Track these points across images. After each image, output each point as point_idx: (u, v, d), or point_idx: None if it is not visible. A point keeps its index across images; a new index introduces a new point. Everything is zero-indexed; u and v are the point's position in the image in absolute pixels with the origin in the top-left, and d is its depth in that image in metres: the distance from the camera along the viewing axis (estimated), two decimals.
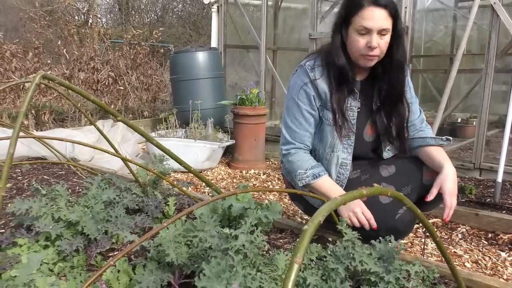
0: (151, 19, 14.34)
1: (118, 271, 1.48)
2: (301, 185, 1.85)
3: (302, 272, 1.22)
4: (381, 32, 1.65)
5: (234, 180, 3.69)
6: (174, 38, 13.03)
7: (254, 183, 3.61)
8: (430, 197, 1.69)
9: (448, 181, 1.68)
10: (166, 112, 5.75)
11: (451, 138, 1.89)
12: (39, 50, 5.33)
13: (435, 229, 2.26)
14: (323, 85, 1.79)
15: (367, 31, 1.64)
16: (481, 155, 3.49)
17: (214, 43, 5.26)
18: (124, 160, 2.15)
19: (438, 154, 1.80)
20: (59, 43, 5.48)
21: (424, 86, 6.88)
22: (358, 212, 1.74)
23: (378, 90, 1.85)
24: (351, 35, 1.69)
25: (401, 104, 1.85)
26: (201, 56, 4.64)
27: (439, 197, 1.70)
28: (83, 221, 1.65)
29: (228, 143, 4.03)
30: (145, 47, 6.00)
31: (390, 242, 1.30)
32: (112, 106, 5.55)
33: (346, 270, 1.32)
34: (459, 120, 5.70)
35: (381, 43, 1.66)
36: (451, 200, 1.66)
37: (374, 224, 1.71)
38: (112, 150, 2.14)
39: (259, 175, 3.85)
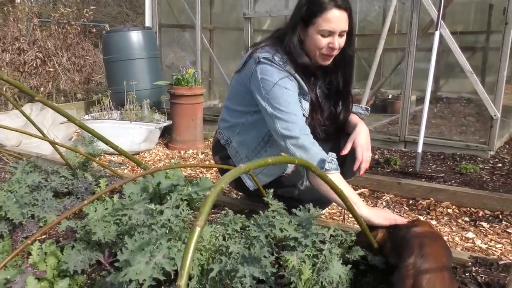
0: None
1: (45, 253, 1.47)
2: (328, 168, 1.63)
3: (226, 241, 1.28)
4: (341, 34, 1.71)
5: (172, 161, 3.69)
6: (111, 18, 12.50)
7: (192, 162, 3.63)
8: (344, 151, 1.77)
9: (360, 136, 1.78)
10: (100, 94, 5.58)
11: (369, 108, 2.01)
12: None
13: (362, 199, 2.41)
14: (299, 79, 1.81)
15: (330, 33, 1.70)
16: (405, 129, 3.73)
17: (148, 22, 5.13)
18: (52, 143, 2.10)
19: (355, 119, 1.93)
20: None
21: (359, 65, 7.13)
22: (391, 214, 1.57)
23: (328, 83, 1.92)
24: (312, 35, 1.73)
25: (347, 96, 1.94)
26: (135, 36, 4.53)
27: (352, 157, 1.79)
28: (6, 205, 1.60)
29: (165, 124, 4.00)
30: (76, 26, 5.74)
31: (309, 211, 1.39)
32: (42, 89, 5.30)
33: (272, 238, 1.39)
34: (390, 97, 6.00)
35: (340, 43, 1.73)
36: (362, 153, 1.75)
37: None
38: (41, 135, 2.08)
39: (198, 155, 3.87)
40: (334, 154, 1.64)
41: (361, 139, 1.78)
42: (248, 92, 1.85)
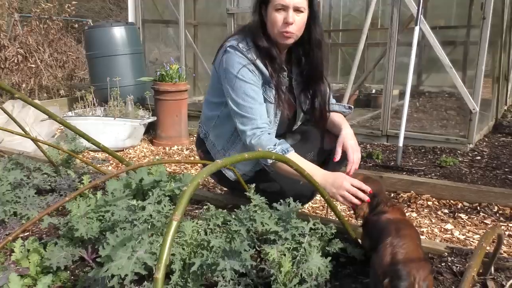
0: None
1: (28, 250, 1.47)
2: (271, 162, 1.74)
3: (207, 235, 1.30)
4: (297, 10, 1.73)
5: (157, 157, 3.69)
6: (93, 13, 12.33)
7: (177, 158, 3.63)
8: (337, 156, 1.80)
9: (349, 139, 1.82)
10: (84, 90, 5.53)
11: (352, 106, 2.04)
12: None
13: None
14: (261, 66, 1.81)
15: (284, 7, 1.72)
16: (387, 123, 3.78)
17: (131, 17, 5.10)
18: (34, 140, 2.09)
19: (338, 119, 1.95)
20: None
21: (344, 60, 7.19)
22: (348, 186, 1.55)
23: (300, 71, 1.93)
24: (270, 13, 1.75)
25: (322, 82, 1.94)
26: (118, 32, 4.50)
27: (341, 159, 1.83)
28: None
29: (149, 120, 4.00)
30: (58, 21, 5.67)
31: (290, 205, 1.41)
32: (24, 86, 5.23)
33: (254, 232, 1.42)
34: (373, 91, 6.06)
35: (297, 20, 1.74)
36: (353, 155, 1.79)
37: (368, 188, 1.55)
38: (23, 132, 2.07)
39: (183, 151, 3.88)
40: (271, 147, 1.68)
41: (350, 141, 1.81)
42: (220, 82, 1.87)
